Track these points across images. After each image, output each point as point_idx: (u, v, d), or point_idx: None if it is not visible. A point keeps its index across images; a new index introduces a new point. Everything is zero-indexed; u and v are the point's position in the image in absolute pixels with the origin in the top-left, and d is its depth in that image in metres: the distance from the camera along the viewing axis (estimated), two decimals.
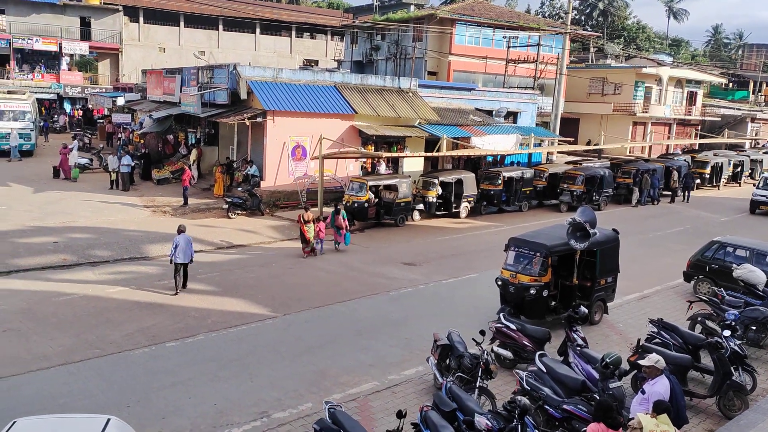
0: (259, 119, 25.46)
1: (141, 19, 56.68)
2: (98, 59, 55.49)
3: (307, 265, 18.54)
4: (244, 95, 26.33)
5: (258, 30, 60.66)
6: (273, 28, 60.69)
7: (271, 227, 22.80)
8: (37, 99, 44.10)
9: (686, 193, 32.31)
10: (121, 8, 54.61)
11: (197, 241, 20.04)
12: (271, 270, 17.85)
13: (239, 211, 23.89)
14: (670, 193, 31.98)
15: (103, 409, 9.62)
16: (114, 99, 44.22)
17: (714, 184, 36.33)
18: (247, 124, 25.62)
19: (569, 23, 36.93)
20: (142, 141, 34.39)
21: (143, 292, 15.47)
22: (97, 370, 11.20)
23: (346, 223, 20.22)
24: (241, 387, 10.84)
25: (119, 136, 40.49)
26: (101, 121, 46.80)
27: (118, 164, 27.91)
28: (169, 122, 33.19)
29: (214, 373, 11.29)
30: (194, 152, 30.41)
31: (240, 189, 25.50)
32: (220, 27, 59.16)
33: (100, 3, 54.47)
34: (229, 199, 23.99)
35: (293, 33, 62.95)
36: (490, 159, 31.71)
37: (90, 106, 51.81)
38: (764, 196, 28.90)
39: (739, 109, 57.87)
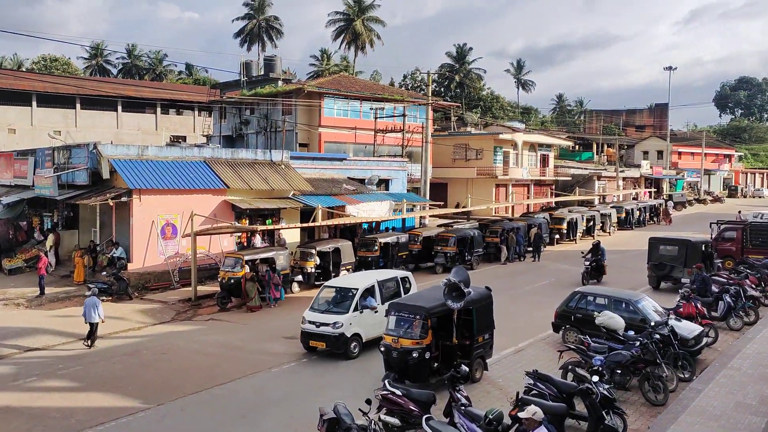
0: (124, 199, 24.34)
1: None
2: None
3: (182, 349, 17.56)
4: (106, 174, 25.16)
5: (120, 108, 58.73)
6: (136, 105, 59.03)
7: (140, 311, 21.48)
8: None
9: (536, 255, 32.77)
10: None
11: (54, 333, 18.61)
12: (141, 358, 16.70)
13: (104, 297, 22.27)
14: (532, 249, 33.80)
15: None
16: None
17: (571, 238, 39.08)
18: (111, 204, 24.38)
19: (430, 95, 39.17)
20: None
21: None
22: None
23: (281, 279, 22.79)
24: None
25: None
26: None
27: None
28: (22, 207, 30.87)
29: None
30: (51, 237, 28.30)
31: (104, 273, 23.97)
32: (78, 105, 56.63)
33: None
34: (92, 285, 22.32)
35: (158, 110, 61.56)
36: (365, 226, 32.23)
37: None
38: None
39: (586, 169, 63.45)
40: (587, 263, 26.36)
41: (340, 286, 17.66)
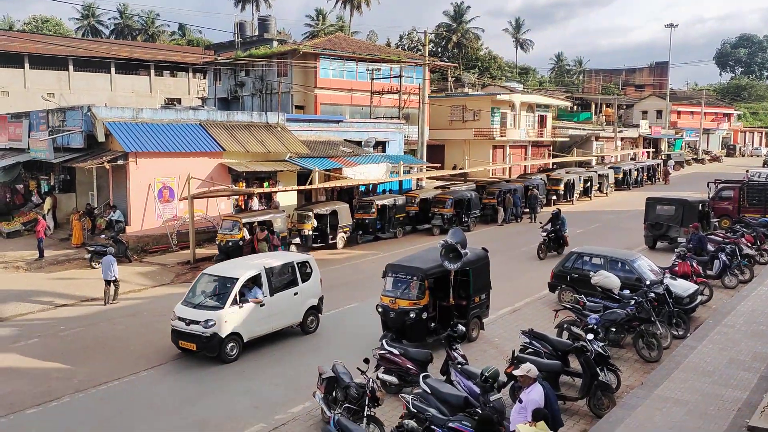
0: (120, 162, 24.25)
1: None
2: None
3: None
4: (101, 137, 25.02)
5: (113, 69, 58.00)
6: (130, 67, 58.25)
7: (140, 274, 21.60)
8: None
9: (533, 216, 32.43)
10: None
11: (55, 295, 18.74)
12: (142, 319, 16.89)
13: None
14: (529, 210, 33.68)
15: None
16: None
17: (568, 199, 39.11)
18: (107, 167, 24.30)
19: (427, 55, 38.66)
20: None
21: None
22: None
23: (279, 241, 22.70)
24: None
25: None
26: None
27: None
28: (18, 170, 30.77)
29: None
30: (48, 200, 28.29)
31: (103, 236, 24.05)
32: (71, 67, 55.91)
33: None
34: (91, 248, 22.48)
35: (152, 71, 60.80)
36: (362, 188, 32.20)
37: None
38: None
39: (584, 130, 63.10)
40: (544, 234, 23.80)
41: (218, 274, 14.65)
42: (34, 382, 12.69)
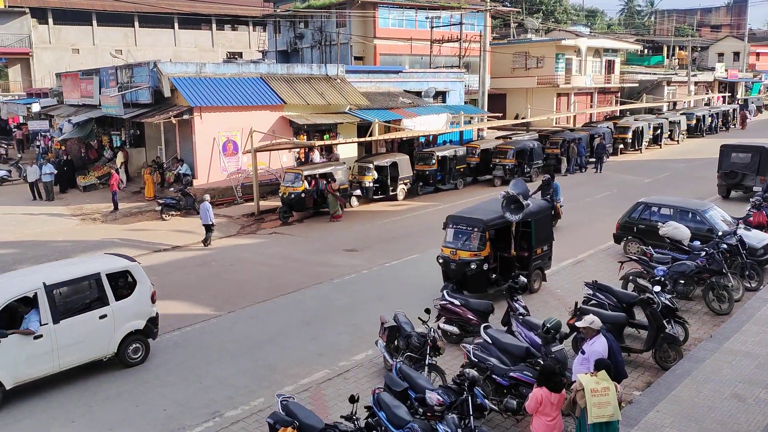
0: (185, 116, 24.85)
1: (50, 20, 54.07)
2: (7, 65, 52.78)
3: (248, 260, 18.31)
4: (167, 93, 25.62)
5: (177, 25, 58.93)
6: (192, 21, 59.10)
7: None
8: None
9: (599, 165, 31.38)
10: (27, 10, 51.94)
11: (131, 245, 19.62)
12: (211, 269, 17.54)
13: (173, 212, 23.31)
14: (594, 160, 32.67)
15: (46, 427, 9.29)
16: (28, 106, 42.20)
17: (636, 147, 37.74)
18: (174, 122, 24.96)
19: (488, 0, 37.46)
20: (62, 147, 33.04)
21: None
22: (33, 390, 10.77)
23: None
24: (189, 389, 10.67)
25: (38, 143, 38.78)
26: (16, 130, 44.63)
27: (39, 174, 26.75)
28: (91, 126, 32.00)
29: (161, 378, 11.06)
30: (120, 155, 29.44)
31: (172, 189, 24.93)
32: (136, 23, 57.15)
33: (5, 6, 51.64)
34: (161, 201, 23.39)
35: (214, 26, 61.49)
36: (422, 140, 31.99)
37: (2, 116, 49.28)
38: None
39: (655, 74, 60.24)
40: None
41: None
42: None
